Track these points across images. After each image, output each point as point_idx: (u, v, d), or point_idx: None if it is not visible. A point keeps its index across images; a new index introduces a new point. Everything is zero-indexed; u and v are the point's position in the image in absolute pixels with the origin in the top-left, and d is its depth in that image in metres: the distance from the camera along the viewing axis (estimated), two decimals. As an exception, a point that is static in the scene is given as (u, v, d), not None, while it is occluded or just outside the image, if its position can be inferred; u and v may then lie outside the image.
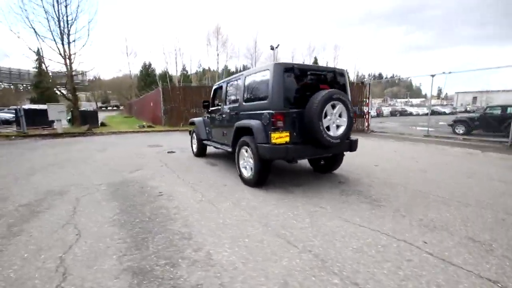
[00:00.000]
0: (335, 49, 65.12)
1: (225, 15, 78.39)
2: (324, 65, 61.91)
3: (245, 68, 64.10)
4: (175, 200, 3.45)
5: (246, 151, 4.04)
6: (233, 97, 4.74)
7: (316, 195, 3.59)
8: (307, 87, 3.69)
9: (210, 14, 79.07)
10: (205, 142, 6.16)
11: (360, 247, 2.25)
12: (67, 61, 14.45)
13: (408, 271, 1.92)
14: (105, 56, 76.27)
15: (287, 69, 3.52)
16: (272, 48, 31.64)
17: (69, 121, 16.09)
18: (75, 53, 14.84)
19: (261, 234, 2.49)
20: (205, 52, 54.19)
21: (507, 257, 2.10)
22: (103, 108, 58.19)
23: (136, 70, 54.34)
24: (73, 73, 15.28)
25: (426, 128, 12.75)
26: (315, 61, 60.86)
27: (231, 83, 4.85)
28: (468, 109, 37.69)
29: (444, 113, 31.96)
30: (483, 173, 4.83)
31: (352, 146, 4.02)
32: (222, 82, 5.27)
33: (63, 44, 14.26)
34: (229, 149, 4.65)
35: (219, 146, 5.29)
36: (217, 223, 2.75)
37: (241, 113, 4.27)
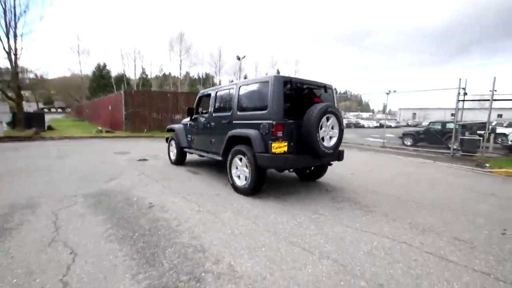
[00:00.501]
0: (296, 63, 68.69)
1: (189, 22, 77.40)
2: (286, 77, 64.85)
3: (208, 75, 63.72)
4: (170, 211, 3.26)
5: (241, 160, 4.03)
6: (224, 106, 4.71)
7: (311, 203, 3.73)
8: (302, 100, 3.87)
9: (174, 19, 77.30)
10: (186, 150, 5.94)
11: (370, 251, 2.41)
12: (12, 56, 12.71)
13: (418, 270, 2.12)
14: (52, 53, 68.64)
15: (286, 82, 3.65)
16: (238, 58, 32.06)
17: (10, 123, 14.03)
18: (21, 48, 13.14)
19: (275, 243, 2.51)
20: (167, 57, 52.32)
21: (489, 252, 2.45)
22: (45, 110, 51.94)
23: (88, 70, 50.11)
24: (19, 70, 13.46)
25: (381, 140, 14.06)
26: (278, 72, 63.26)
27: (221, 91, 4.82)
28: (409, 123, 42.83)
29: (391, 127, 35.55)
30: (442, 181, 5.53)
31: (340, 156, 4.29)
32: (210, 90, 5.20)
33: (8, 38, 12.54)
34: (219, 158, 4.57)
35: (204, 154, 5.16)
36: (226, 233, 2.68)
37: (234, 122, 4.25)
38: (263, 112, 3.70)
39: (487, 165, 8.20)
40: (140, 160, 7.00)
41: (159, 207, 3.41)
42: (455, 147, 10.68)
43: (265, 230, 2.79)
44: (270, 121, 3.54)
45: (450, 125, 14.48)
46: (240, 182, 4.05)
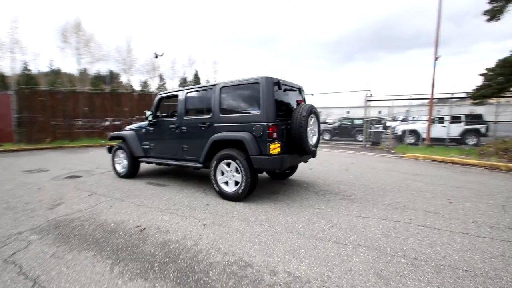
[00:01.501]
0: (215, 64, 68.55)
1: (88, 9, 65.60)
2: (206, 79, 63.76)
3: (112, 73, 56.08)
4: (172, 231, 2.86)
5: (228, 165, 3.87)
6: (199, 108, 4.38)
7: (302, 199, 3.94)
8: (286, 101, 4.03)
9: (67, 5, 64.07)
10: (142, 160, 5.20)
11: (383, 232, 2.79)
12: None
13: (427, 240, 2.60)
14: None
15: (274, 83, 3.72)
16: (156, 56, 29.70)
17: None
18: None
19: (307, 242, 2.58)
20: (60, 51, 43.24)
21: (454, 217, 3.22)
22: None
23: None
24: None
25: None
26: (196, 74, 61.67)
27: (194, 93, 4.45)
28: (326, 120, 49.58)
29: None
30: (379, 167, 6.72)
31: (315, 153, 4.67)
32: (178, 91, 4.70)
33: None
34: (197, 165, 4.24)
35: (172, 163, 4.66)
36: (254, 242, 2.58)
37: (216, 125, 4.03)
38: (254, 113, 3.67)
39: (393, 151, 10.37)
40: (70, 177, 5.71)
41: (154, 228, 2.93)
42: (364, 139, 13.00)
43: (287, 232, 2.81)
44: (265, 123, 3.55)
45: (357, 121, 17.53)
46: (229, 188, 3.89)
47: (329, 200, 3.92)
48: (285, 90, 4.07)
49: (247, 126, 3.70)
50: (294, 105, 4.21)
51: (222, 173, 3.98)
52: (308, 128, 3.98)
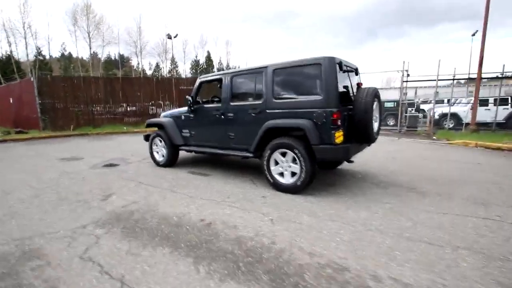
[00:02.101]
0: (227, 44, 67.51)
1: None
2: (218, 60, 62.92)
3: (123, 57, 56.30)
4: (240, 226, 2.76)
5: (283, 155, 3.70)
6: (248, 93, 4.18)
7: (365, 192, 3.74)
8: (344, 83, 3.75)
9: None
10: (183, 148, 5.13)
11: (477, 232, 2.57)
12: None
13: (532, 243, 2.37)
14: None
15: (337, 64, 3.44)
16: (169, 37, 29.47)
17: None
18: None
19: (396, 242, 2.40)
20: (72, 34, 43.66)
21: (550, 215, 2.94)
22: None
23: None
24: None
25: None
26: (208, 56, 61.01)
27: (241, 76, 4.24)
28: None
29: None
30: (429, 156, 6.37)
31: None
32: (221, 74, 4.50)
33: None
34: (247, 154, 4.10)
35: (217, 152, 4.55)
36: (337, 242, 2.43)
37: (268, 111, 3.83)
38: (315, 98, 3.43)
39: (434, 137, 9.86)
40: (108, 165, 5.75)
41: (220, 223, 2.84)
42: (399, 123, 12.45)
43: (367, 230, 2.65)
44: (329, 109, 3.32)
45: (388, 104, 16.82)
46: (284, 180, 3.74)
47: (395, 193, 3.70)
48: (344, 71, 3.79)
49: (306, 113, 3.47)
50: (351, 88, 3.93)
51: (276, 163, 3.82)
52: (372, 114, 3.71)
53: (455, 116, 12.86)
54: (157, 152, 5.56)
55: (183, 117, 5.10)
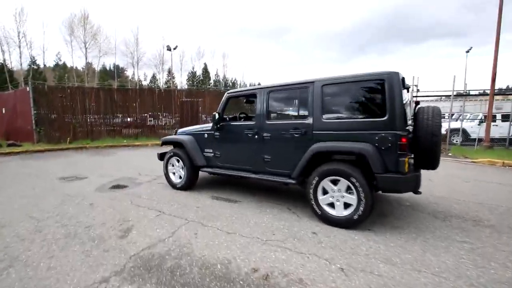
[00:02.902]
0: (224, 57, 67.78)
1: (95, 1, 65.03)
2: (215, 72, 62.88)
3: (118, 67, 55.62)
4: (309, 280, 2.17)
5: (335, 183, 3.17)
6: (290, 111, 3.68)
7: (427, 226, 3.22)
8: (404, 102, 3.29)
9: None
10: (205, 170, 4.53)
11: None
12: None
13: None
14: None
15: (401, 80, 2.98)
16: (169, 49, 29.08)
17: None
18: None
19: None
20: (68, 44, 42.97)
21: None
22: None
23: None
24: None
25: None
26: (205, 68, 61.01)
27: (280, 91, 3.73)
28: None
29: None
30: (465, 176, 5.94)
31: None
32: (256, 89, 3.99)
33: None
34: (288, 180, 3.55)
35: (249, 176, 3.98)
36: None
37: (316, 132, 3.32)
38: (377, 119, 2.94)
39: (450, 154, 9.51)
40: (116, 187, 5.10)
41: (279, 275, 2.25)
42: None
43: (469, 286, 2.10)
44: (395, 132, 2.82)
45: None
46: (336, 212, 3.19)
47: (462, 227, 3.19)
48: (407, 89, 3.34)
49: (367, 135, 2.97)
50: (408, 107, 3.47)
51: (324, 192, 3.28)
52: (435, 137, 3.24)
53: (463, 132, 12.65)
54: (174, 173, 4.94)
55: (206, 135, 4.54)
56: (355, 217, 3.02)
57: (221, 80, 61.85)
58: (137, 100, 14.10)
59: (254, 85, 41.98)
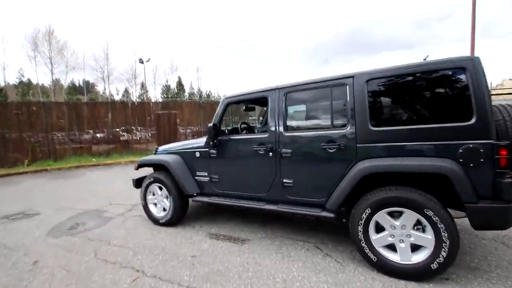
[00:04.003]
0: (197, 70, 66.23)
1: (61, 15, 60.20)
2: (189, 85, 61.05)
3: (88, 83, 51.71)
4: None
5: (395, 216, 2.14)
6: (319, 118, 2.61)
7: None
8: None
9: (38, 10, 58.67)
10: (198, 199, 3.29)
11: None
12: None
13: None
14: None
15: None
16: (141, 62, 27.17)
17: None
18: None
19: None
20: (31, 60, 38.98)
21: None
22: None
23: None
24: None
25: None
26: (179, 81, 58.94)
27: (305, 92, 2.64)
28: None
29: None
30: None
31: None
32: (266, 90, 2.86)
33: None
34: (324, 214, 2.45)
35: (263, 207, 2.81)
36: None
37: (361, 145, 2.28)
38: (460, 124, 1.97)
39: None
40: (75, 228, 3.68)
41: None
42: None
43: None
44: (488, 141, 1.87)
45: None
46: (400, 257, 2.14)
47: (560, 263, 2.30)
48: None
49: (444, 148, 2.00)
50: None
51: (379, 229, 2.24)
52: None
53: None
54: (155, 205, 3.64)
55: (197, 153, 3.32)
56: (434, 265, 2.00)
57: (196, 93, 60.12)
58: (108, 115, 12.33)
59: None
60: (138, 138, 13.57)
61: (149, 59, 27.85)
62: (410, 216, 2.08)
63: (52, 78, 41.42)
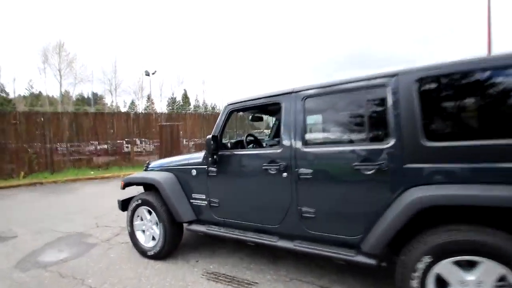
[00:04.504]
0: (203, 83, 66.74)
1: (72, 28, 61.64)
2: (195, 98, 61.41)
3: (96, 95, 52.14)
4: None
5: (466, 268, 1.48)
6: (349, 129, 2.00)
7: None
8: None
9: (49, 24, 60.26)
10: (195, 228, 2.66)
11: None
12: None
13: None
14: None
15: None
16: (147, 74, 27.20)
17: None
18: None
19: None
20: (41, 72, 39.65)
21: None
22: None
23: None
24: None
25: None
26: (185, 93, 59.31)
27: (331, 96, 2.02)
28: None
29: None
30: None
31: None
32: (278, 95, 2.25)
33: None
34: (362, 259, 1.78)
35: (276, 244, 2.16)
36: None
37: (411, 166, 1.66)
38: None
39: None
40: (49, 257, 3.05)
41: None
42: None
43: None
44: None
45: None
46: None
47: None
48: None
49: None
50: None
51: (441, 284, 1.57)
52: None
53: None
54: (143, 231, 3.00)
55: (194, 171, 2.70)
56: None
57: (201, 105, 60.30)
58: (109, 125, 11.89)
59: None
60: (140, 150, 13.08)
61: (155, 71, 27.87)
62: (491, 269, 1.43)
63: (60, 90, 41.92)
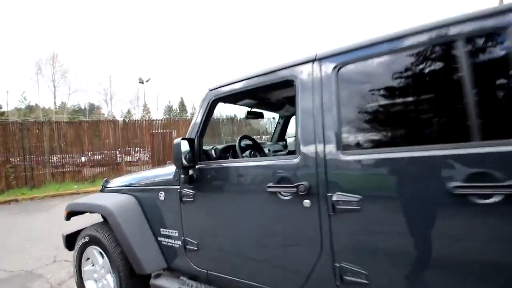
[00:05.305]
0: (199, 91, 65.98)
1: (65, 40, 60.63)
2: (192, 105, 60.61)
3: (93, 105, 50.96)
4: None
5: None
6: (440, 118, 1.06)
7: None
8: None
9: (42, 36, 59.35)
10: (162, 283, 1.70)
11: None
12: None
13: None
14: None
15: None
16: (141, 82, 26.27)
17: None
18: None
19: None
20: (34, 83, 38.68)
21: None
22: None
23: None
24: None
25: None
26: (182, 101, 58.37)
27: (383, 57, 1.10)
28: None
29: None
30: None
31: None
32: (289, 67, 1.27)
33: None
34: None
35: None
36: None
37: None
38: None
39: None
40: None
41: None
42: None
43: None
44: None
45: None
46: None
47: None
48: None
49: None
50: None
51: None
52: None
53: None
54: (95, 281, 2.03)
55: (162, 194, 1.75)
56: None
57: (198, 113, 59.38)
58: (96, 134, 10.88)
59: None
60: (135, 160, 12.08)
61: (149, 79, 26.97)
62: None
63: (54, 101, 40.86)
